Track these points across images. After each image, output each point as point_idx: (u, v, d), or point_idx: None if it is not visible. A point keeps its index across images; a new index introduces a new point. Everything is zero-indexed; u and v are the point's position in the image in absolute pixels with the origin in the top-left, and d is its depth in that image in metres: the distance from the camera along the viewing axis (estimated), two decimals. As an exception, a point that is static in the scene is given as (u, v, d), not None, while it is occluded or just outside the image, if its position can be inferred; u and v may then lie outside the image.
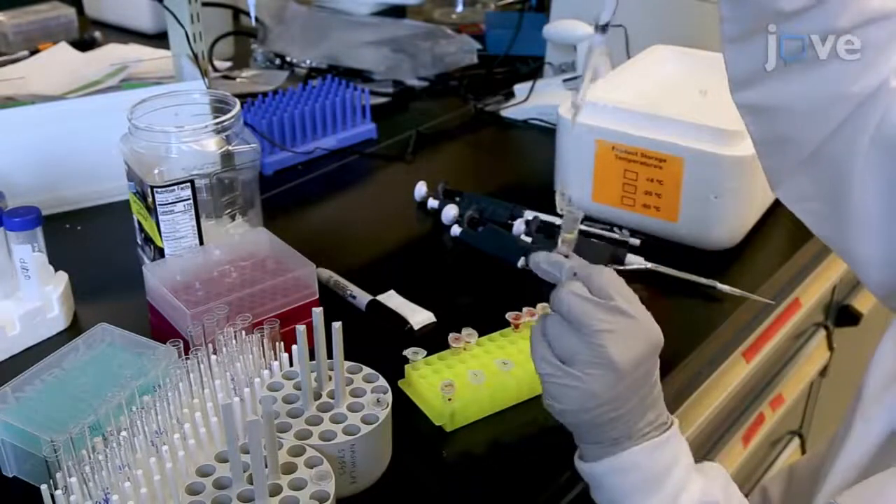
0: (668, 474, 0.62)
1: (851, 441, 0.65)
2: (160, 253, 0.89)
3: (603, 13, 0.62)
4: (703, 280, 0.95)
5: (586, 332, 0.58)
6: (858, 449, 0.65)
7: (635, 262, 0.98)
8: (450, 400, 0.76)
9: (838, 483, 0.65)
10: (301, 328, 0.69)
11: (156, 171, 0.86)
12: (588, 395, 0.58)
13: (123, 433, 0.63)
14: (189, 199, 0.88)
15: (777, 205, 1.05)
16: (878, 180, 0.63)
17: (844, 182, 0.65)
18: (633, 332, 0.58)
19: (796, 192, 0.70)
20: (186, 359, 0.70)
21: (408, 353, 0.82)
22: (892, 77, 0.61)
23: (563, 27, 1.35)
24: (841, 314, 1.41)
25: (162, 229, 0.88)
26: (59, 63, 1.44)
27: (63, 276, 0.92)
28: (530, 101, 1.38)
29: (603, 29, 0.62)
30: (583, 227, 1.05)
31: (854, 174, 0.64)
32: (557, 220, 1.06)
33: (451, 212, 1.09)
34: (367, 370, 0.74)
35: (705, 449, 1.12)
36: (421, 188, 1.15)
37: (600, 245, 1.00)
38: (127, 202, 0.94)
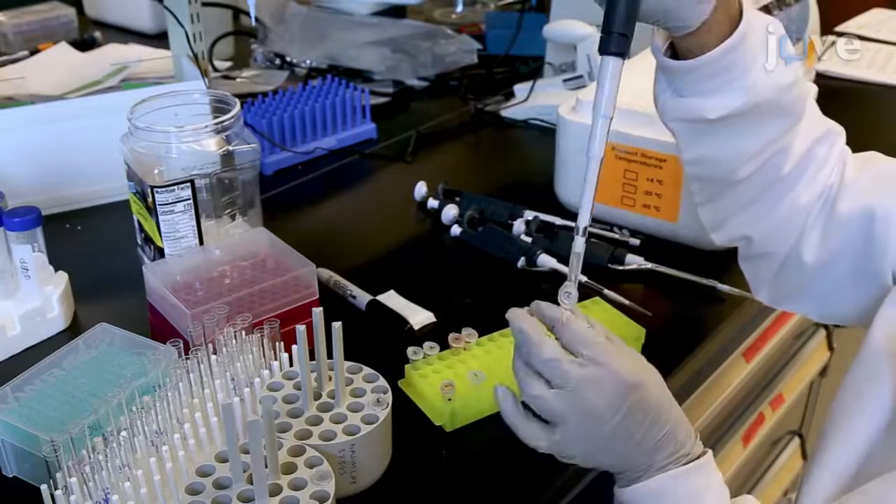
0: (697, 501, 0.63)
1: (832, 439, 0.66)
2: (160, 253, 0.89)
3: (581, 217, 0.65)
4: (703, 280, 0.95)
5: (559, 386, 0.61)
6: (844, 447, 0.65)
7: (635, 262, 0.98)
8: (450, 400, 0.76)
9: (827, 483, 0.65)
10: (301, 328, 0.69)
11: (156, 171, 0.87)
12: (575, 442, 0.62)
13: (123, 433, 0.63)
14: (189, 199, 0.88)
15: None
16: (837, 259, 0.74)
17: (811, 277, 0.76)
18: (602, 379, 0.61)
19: (772, 295, 0.81)
20: (186, 359, 0.70)
21: (409, 352, 0.82)
22: (828, 179, 0.73)
23: (563, 27, 1.35)
24: (841, 314, 1.41)
25: (162, 229, 0.88)
26: (59, 63, 1.44)
27: (63, 276, 0.92)
28: (530, 101, 1.38)
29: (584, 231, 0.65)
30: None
31: (817, 268, 0.74)
32: (558, 220, 1.06)
33: (451, 212, 1.09)
34: (367, 370, 0.74)
35: (705, 449, 1.12)
36: (421, 188, 1.15)
37: (600, 245, 1.00)
38: (127, 202, 0.94)
